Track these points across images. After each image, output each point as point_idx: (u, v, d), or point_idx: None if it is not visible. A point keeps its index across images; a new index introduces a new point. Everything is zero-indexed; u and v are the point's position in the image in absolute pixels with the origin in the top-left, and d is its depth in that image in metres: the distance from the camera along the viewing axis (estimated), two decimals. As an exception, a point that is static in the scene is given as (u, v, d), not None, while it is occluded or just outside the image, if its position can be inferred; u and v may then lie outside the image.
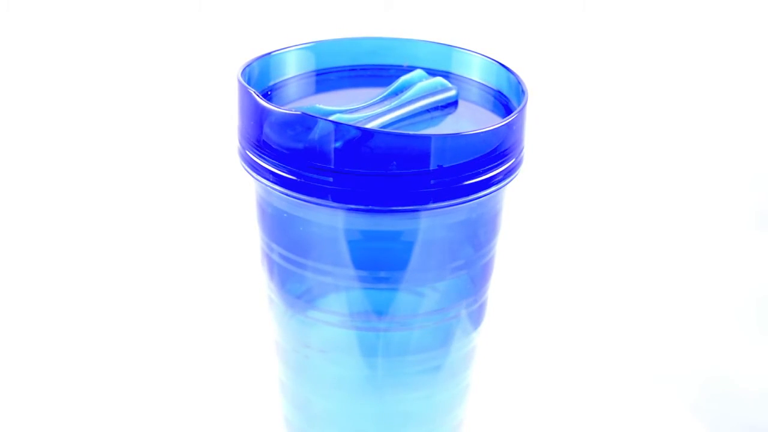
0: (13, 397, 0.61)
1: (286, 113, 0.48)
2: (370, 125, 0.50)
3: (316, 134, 0.47)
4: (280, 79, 0.54)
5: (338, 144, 0.47)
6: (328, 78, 0.55)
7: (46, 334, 0.66)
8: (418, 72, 0.54)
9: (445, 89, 0.53)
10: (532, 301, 0.70)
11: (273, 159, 0.48)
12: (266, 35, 0.90)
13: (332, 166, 0.47)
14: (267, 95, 0.53)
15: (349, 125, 0.47)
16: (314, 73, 0.55)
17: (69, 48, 0.92)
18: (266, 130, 0.49)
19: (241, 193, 0.58)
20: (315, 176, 0.47)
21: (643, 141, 0.87)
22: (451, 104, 0.53)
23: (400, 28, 0.66)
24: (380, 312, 0.51)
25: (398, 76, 0.54)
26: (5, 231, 0.76)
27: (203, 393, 0.62)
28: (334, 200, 0.48)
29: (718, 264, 0.75)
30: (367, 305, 0.51)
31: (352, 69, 0.56)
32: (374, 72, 0.56)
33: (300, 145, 0.48)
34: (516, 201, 0.59)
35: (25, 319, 0.67)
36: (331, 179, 0.47)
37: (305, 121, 0.48)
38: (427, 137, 0.47)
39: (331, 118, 0.49)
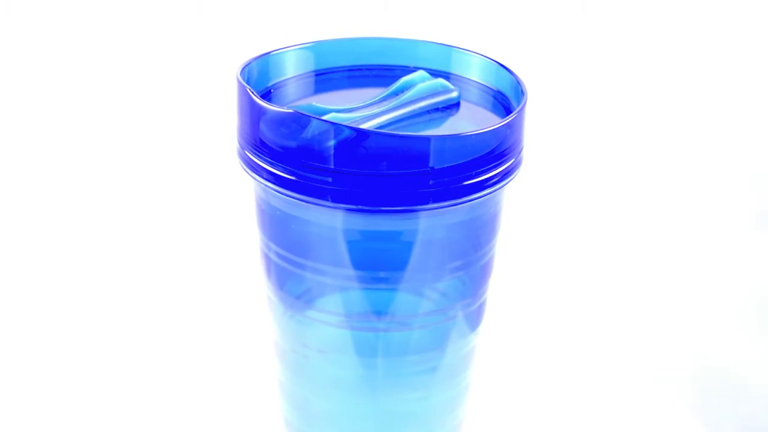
0: (12, 397, 0.61)
1: (279, 111, 0.48)
2: (366, 125, 0.50)
3: (309, 133, 0.47)
4: (281, 79, 0.54)
5: (332, 143, 0.47)
6: (329, 78, 0.55)
7: (45, 335, 0.66)
8: (420, 73, 0.53)
9: (447, 91, 0.53)
10: (531, 301, 0.70)
11: (270, 158, 0.48)
12: (266, 36, 0.90)
13: (327, 166, 0.47)
14: (268, 94, 0.53)
15: (342, 125, 0.47)
16: (316, 73, 0.55)
17: (68, 47, 0.92)
18: (262, 128, 0.49)
19: (240, 194, 0.58)
20: (313, 176, 0.47)
21: (642, 141, 0.87)
22: (453, 106, 0.53)
23: (399, 29, 0.66)
24: (379, 312, 0.51)
25: (400, 77, 0.54)
26: (3, 231, 0.76)
27: (202, 393, 0.62)
28: (333, 200, 0.48)
29: (718, 264, 0.75)
30: (366, 305, 0.51)
31: (354, 69, 0.56)
32: (379, 72, 0.56)
33: (293, 144, 0.48)
34: (515, 201, 0.59)
35: (23, 319, 0.67)
36: (329, 179, 0.47)
37: (298, 120, 0.47)
38: (422, 138, 0.47)
39: (326, 116, 0.49)
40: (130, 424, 0.60)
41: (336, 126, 0.47)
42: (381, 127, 0.50)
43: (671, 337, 0.67)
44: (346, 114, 0.50)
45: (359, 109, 0.51)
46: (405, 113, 0.51)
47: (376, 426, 0.54)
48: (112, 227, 0.76)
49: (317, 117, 0.47)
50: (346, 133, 0.47)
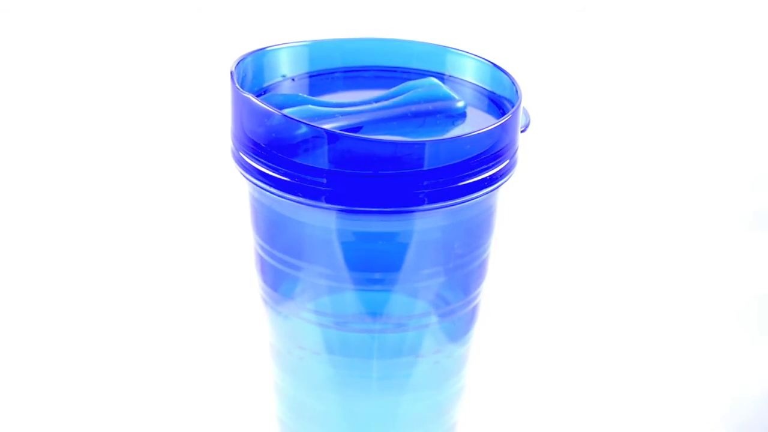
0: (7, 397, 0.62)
1: (254, 103, 0.48)
2: (347, 122, 0.50)
3: (272, 124, 0.47)
4: (277, 80, 0.54)
5: (301, 132, 0.47)
6: (329, 78, 0.55)
7: (41, 336, 0.66)
8: (429, 79, 0.53)
9: (447, 99, 0.52)
10: (526, 302, 0.70)
11: (261, 158, 0.48)
12: (265, 36, 0.90)
13: (295, 161, 0.47)
14: (264, 92, 0.53)
15: (300, 121, 0.47)
16: (314, 74, 0.55)
17: (57, 45, 0.92)
18: (245, 122, 0.49)
19: (236, 195, 0.58)
20: (305, 176, 0.47)
21: (640, 141, 0.87)
22: (458, 116, 0.52)
23: (393, 29, 0.66)
24: (374, 314, 0.51)
25: (403, 80, 0.54)
26: None
27: (198, 394, 0.62)
28: (327, 201, 0.48)
29: (716, 264, 0.75)
30: (360, 307, 0.51)
31: (352, 70, 0.56)
32: (379, 74, 0.56)
33: (261, 131, 0.48)
34: (511, 202, 0.59)
35: (19, 319, 0.67)
36: (324, 180, 0.47)
37: (260, 111, 0.47)
38: (387, 142, 0.47)
39: (298, 108, 0.49)
40: (125, 425, 0.60)
41: (294, 121, 0.47)
42: (364, 124, 0.50)
43: (669, 339, 0.67)
44: (325, 108, 0.50)
45: (346, 107, 0.51)
46: (392, 114, 0.51)
47: (370, 427, 0.54)
48: (107, 227, 0.76)
49: (278, 111, 0.47)
50: (303, 129, 0.47)
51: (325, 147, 0.47)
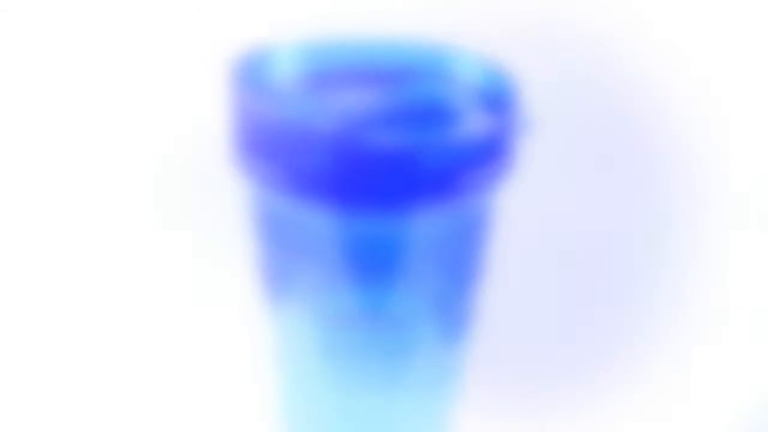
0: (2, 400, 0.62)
1: (246, 98, 0.48)
2: (347, 122, 0.50)
3: (271, 123, 0.48)
4: (277, 78, 0.54)
5: (300, 132, 0.47)
6: (329, 77, 0.55)
7: (37, 336, 0.66)
8: (429, 79, 0.53)
9: (447, 99, 0.52)
10: (527, 302, 0.70)
11: (258, 156, 0.48)
12: (267, 35, 0.90)
13: (294, 161, 0.47)
14: (265, 90, 0.53)
15: (300, 121, 0.47)
16: (313, 73, 0.55)
17: (55, 43, 0.92)
18: (243, 120, 0.49)
19: (237, 194, 0.59)
20: (302, 175, 0.47)
21: (641, 141, 0.87)
22: (456, 116, 0.52)
23: (393, 29, 0.66)
24: (374, 314, 0.51)
25: (408, 80, 0.54)
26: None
27: (196, 394, 0.62)
28: (325, 201, 0.48)
29: (717, 264, 0.74)
30: (360, 307, 0.51)
31: (352, 70, 0.56)
32: (379, 74, 0.56)
33: (260, 130, 0.48)
34: (511, 202, 0.59)
35: (15, 323, 0.67)
36: (321, 179, 0.47)
37: (260, 111, 0.48)
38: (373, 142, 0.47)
39: (298, 107, 0.49)
40: (123, 425, 0.60)
41: (293, 121, 0.47)
42: (364, 124, 0.50)
43: (669, 340, 0.67)
44: (325, 107, 0.50)
45: (346, 107, 0.51)
46: (392, 114, 0.51)
47: (370, 427, 0.54)
48: (106, 227, 0.76)
49: (279, 111, 0.47)
50: (302, 129, 0.47)
51: (325, 147, 0.47)
